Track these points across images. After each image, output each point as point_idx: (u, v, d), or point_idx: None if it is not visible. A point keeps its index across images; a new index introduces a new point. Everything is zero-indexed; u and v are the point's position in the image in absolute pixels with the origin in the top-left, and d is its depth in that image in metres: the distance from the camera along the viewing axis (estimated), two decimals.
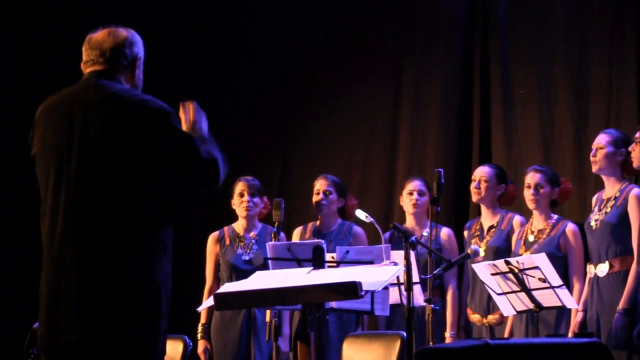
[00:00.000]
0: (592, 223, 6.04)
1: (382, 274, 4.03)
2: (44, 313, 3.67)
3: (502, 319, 6.36)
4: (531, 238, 6.32)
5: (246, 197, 6.83)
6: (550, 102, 7.07)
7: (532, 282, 5.70)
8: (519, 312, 5.92)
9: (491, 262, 5.87)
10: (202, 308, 6.43)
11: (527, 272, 5.69)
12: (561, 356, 3.42)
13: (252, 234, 6.89)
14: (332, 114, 8.00)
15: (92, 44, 3.80)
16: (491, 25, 7.36)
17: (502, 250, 6.43)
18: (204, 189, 3.76)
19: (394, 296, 5.59)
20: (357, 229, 6.86)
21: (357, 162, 7.88)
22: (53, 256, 3.66)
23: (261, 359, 6.61)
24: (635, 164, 5.87)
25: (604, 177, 6.10)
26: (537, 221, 6.36)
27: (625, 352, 5.78)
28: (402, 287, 5.33)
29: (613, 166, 6.03)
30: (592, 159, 6.07)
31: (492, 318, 6.44)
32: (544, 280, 5.67)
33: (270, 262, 5.60)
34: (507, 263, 5.74)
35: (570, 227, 6.28)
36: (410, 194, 6.77)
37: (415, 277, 5.54)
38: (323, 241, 5.44)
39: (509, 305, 5.88)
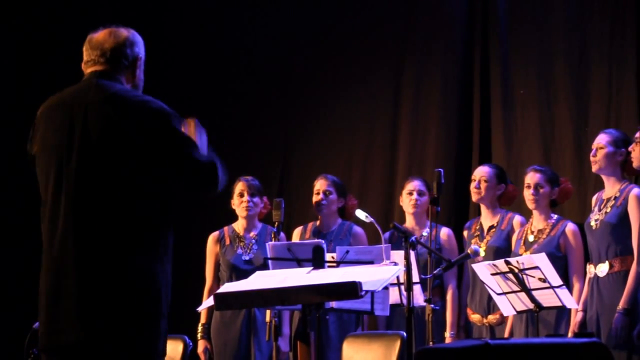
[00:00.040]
0: (592, 223, 6.03)
1: (382, 274, 4.02)
2: (44, 313, 3.67)
3: (502, 319, 6.36)
4: (531, 238, 6.32)
5: (246, 197, 6.83)
6: (550, 102, 7.07)
7: (532, 282, 5.70)
8: (519, 312, 5.92)
9: (491, 262, 5.87)
10: (202, 308, 6.43)
11: (527, 272, 5.69)
12: (561, 356, 3.42)
13: (252, 234, 6.89)
14: (332, 114, 8.00)
15: (93, 44, 3.80)
16: (491, 25, 7.36)
17: (502, 250, 6.43)
18: (203, 193, 3.76)
19: (394, 296, 5.59)
20: (357, 229, 6.85)
21: (357, 162, 7.88)
22: (53, 256, 3.65)
23: (261, 359, 6.60)
24: (635, 164, 5.87)
25: (604, 177, 6.10)
26: (537, 221, 6.36)
27: (625, 352, 5.77)
28: (402, 287, 5.33)
29: (613, 166, 6.03)
30: (592, 159, 6.07)
31: (492, 318, 6.43)
32: (544, 280, 5.67)
33: (270, 262, 5.60)
34: (507, 263, 5.74)
35: (570, 227, 6.27)
36: (410, 194, 6.77)
37: (415, 277, 5.54)
38: (323, 241, 5.45)
39: (509, 305, 5.88)
